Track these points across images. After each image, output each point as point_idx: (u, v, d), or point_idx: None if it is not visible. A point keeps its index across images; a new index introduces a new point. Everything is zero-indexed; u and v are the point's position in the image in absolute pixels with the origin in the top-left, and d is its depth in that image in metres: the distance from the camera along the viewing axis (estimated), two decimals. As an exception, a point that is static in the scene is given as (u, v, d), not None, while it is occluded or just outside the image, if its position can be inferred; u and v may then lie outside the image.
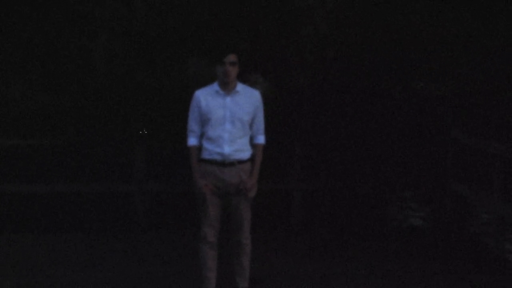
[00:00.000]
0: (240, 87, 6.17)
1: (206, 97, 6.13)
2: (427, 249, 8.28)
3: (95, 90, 12.39)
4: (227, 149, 6.09)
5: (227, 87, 6.13)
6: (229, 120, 6.07)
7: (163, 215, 10.31)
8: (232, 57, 6.03)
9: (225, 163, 6.10)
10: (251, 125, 6.20)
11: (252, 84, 12.02)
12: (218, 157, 6.10)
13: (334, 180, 10.22)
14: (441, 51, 12.12)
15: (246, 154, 6.18)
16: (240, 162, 6.14)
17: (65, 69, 12.51)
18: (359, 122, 11.95)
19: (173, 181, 9.56)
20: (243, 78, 11.16)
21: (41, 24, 12.52)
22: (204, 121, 6.12)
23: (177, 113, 11.87)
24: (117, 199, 10.61)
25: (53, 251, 8.08)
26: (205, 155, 6.15)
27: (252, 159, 6.24)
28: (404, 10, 12.22)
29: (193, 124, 6.17)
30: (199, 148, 6.20)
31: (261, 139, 6.26)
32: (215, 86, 6.19)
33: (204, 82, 12.31)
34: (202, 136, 6.18)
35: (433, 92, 12.00)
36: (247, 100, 6.16)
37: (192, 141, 6.18)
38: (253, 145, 6.27)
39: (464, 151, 10.03)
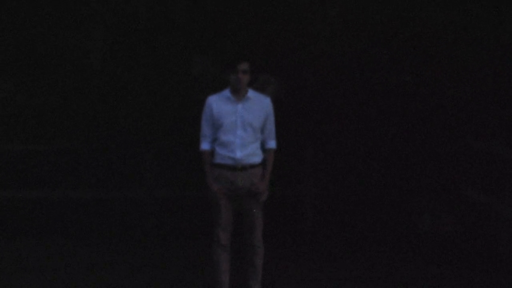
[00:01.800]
0: (251, 93, 6.73)
1: (218, 103, 6.66)
2: (442, 255, 8.68)
3: (92, 90, 12.62)
4: (239, 154, 6.61)
5: (238, 94, 6.66)
6: (241, 125, 6.60)
7: (174, 222, 10.64)
8: (244, 65, 6.57)
9: (237, 168, 6.61)
10: (262, 131, 6.73)
11: (263, 84, 12.27)
12: (230, 162, 6.61)
13: (347, 185, 10.64)
14: (456, 50, 12.46)
15: (257, 158, 6.70)
16: (252, 166, 6.66)
17: (58, 68, 12.71)
18: (373, 124, 12.26)
19: (183, 186, 10.00)
20: (254, 78, 11.54)
21: (31, 19, 12.67)
22: (216, 126, 6.65)
23: (183, 116, 12.18)
24: (127, 205, 11.00)
25: (60, 257, 8.46)
26: (218, 160, 6.68)
27: (263, 164, 6.75)
28: (422, 7, 12.50)
29: (205, 129, 6.70)
30: (212, 152, 6.73)
31: (272, 144, 6.78)
32: (226, 93, 6.72)
33: (209, 84, 12.59)
34: (214, 141, 6.72)
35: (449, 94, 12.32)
36: (258, 107, 6.69)
37: (204, 145, 6.71)
38: (264, 150, 6.79)
39: (479, 157, 10.44)
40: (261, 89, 11.29)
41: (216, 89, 11.35)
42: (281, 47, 12.43)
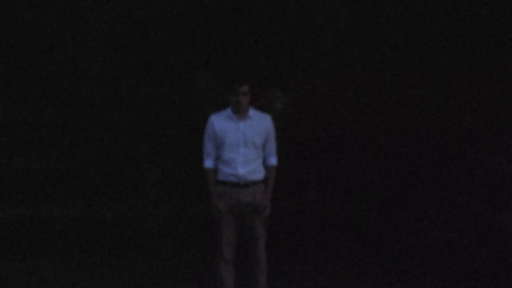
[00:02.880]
0: (252, 112, 7.13)
1: (221, 122, 7.08)
2: (446, 269, 9.00)
3: (93, 106, 12.77)
4: (241, 171, 7.02)
5: (240, 113, 7.07)
6: (243, 143, 7.01)
7: (178, 238, 10.96)
8: (244, 88, 6.98)
9: (240, 184, 7.02)
10: (263, 147, 7.14)
11: (271, 99, 12.26)
12: (233, 179, 7.02)
13: (352, 201, 10.95)
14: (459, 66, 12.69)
15: (259, 175, 7.10)
16: (254, 183, 7.06)
17: (56, 82, 12.85)
18: (377, 138, 12.45)
19: (187, 202, 10.34)
20: (260, 93, 11.66)
21: (30, 33, 12.83)
22: (219, 144, 7.06)
23: (187, 132, 12.45)
24: (130, 222, 11.32)
25: (64, 273, 8.79)
26: (221, 177, 7.08)
27: (265, 180, 7.16)
28: (431, 22, 12.68)
29: (208, 147, 7.11)
30: (215, 170, 7.14)
31: (273, 161, 7.19)
32: (228, 112, 7.13)
33: (213, 99, 12.82)
34: (217, 158, 7.12)
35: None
36: (259, 124, 7.10)
37: (208, 163, 7.12)
38: (266, 166, 7.19)
39: (484, 170, 10.74)
40: (268, 104, 11.46)
41: (220, 104, 11.58)
42: (289, 62, 12.64)
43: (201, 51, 12.65)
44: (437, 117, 12.25)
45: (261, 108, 7.56)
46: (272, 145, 7.20)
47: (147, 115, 12.51)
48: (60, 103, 12.72)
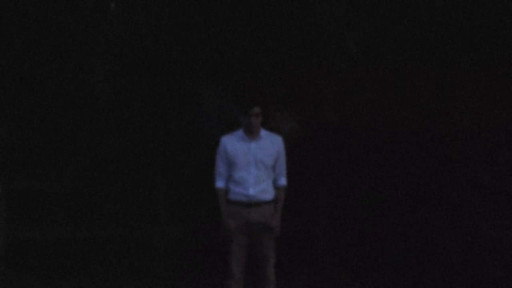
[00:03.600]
0: (263, 133, 7.42)
1: (232, 143, 7.36)
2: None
3: (100, 126, 12.91)
4: (252, 191, 7.30)
5: (251, 134, 7.36)
6: (254, 164, 7.29)
7: (187, 258, 11.19)
8: (256, 110, 7.27)
9: (251, 204, 7.30)
10: (274, 168, 7.42)
11: (279, 122, 12.34)
12: (244, 198, 7.31)
13: (361, 220, 11.15)
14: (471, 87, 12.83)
15: (270, 195, 7.38)
16: (265, 202, 7.34)
17: (60, 103, 12.97)
18: (387, 159, 12.60)
19: (196, 223, 10.57)
20: (269, 116, 11.80)
21: (31, 53, 12.87)
22: (231, 164, 7.34)
23: (194, 152, 12.64)
24: (140, 242, 11.53)
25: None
26: (232, 197, 7.37)
27: (275, 200, 7.44)
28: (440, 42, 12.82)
29: (220, 168, 7.39)
30: (226, 190, 7.42)
31: (283, 181, 7.47)
32: (240, 132, 7.42)
33: (220, 118, 12.94)
34: (228, 178, 7.40)
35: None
36: (270, 145, 7.38)
37: (219, 183, 7.41)
38: (276, 186, 7.46)
39: (493, 194, 10.93)
40: (277, 127, 11.69)
41: (226, 123, 11.76)
42: (298, 83, 12.81)
43: (207, 69, 12.76)
44: (450, 129, 12.35)
45: (270, 130, 7.81)
46: (282, 166, 7.47)
47: (155, 134, 12.65)
48: (67, 123, 12.87)
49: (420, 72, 12.52)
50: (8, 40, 12.76)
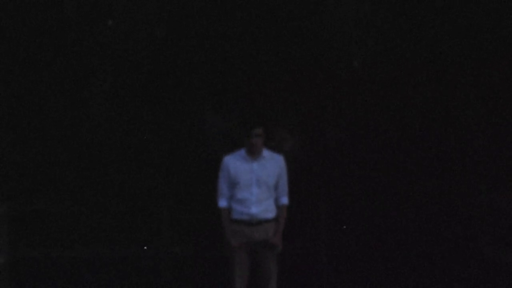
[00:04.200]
0: (265, 153, 7.64)
1: (235, 163, 7.59)
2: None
3: (101, 147, 12.99)
4: (254, 210, 7.52)
5: (254, 154, 7.58)
6: (256, 183, 7.52)
7: (190, 278, 11.35)
8: (258, 130, 7.49)
9: (253, 223, 7.53)
10: (275, 187, 7.64)
11: (280, 142, 12.39)
12: (246, 217, 7.53)
13: (362, 240, 11.28)
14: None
15: (272, 213, 7.61)
16: (267, 221, 7.56)
17: (59, 122, 13.12)
18: (389, 179, 12.71)
19: (199, 243, 10.72)
20: (269, 135, 11.84)
21: (29, 71, 12.59)
22: (233, 184, 7.56)
23: (196, 173, 12.78)
24: (144, 262, 11.68)
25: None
26: (234, 215, 7.59)
27: (277, 219, 7.65)
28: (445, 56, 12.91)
29: (223, 187, 7.62)
30: (229, 209, 7.63)
31: (285, 200, 7.71)
32: (242, 153, 7.64)
33: (221, 141, 13.08)
34: (231, 198, 7.62)
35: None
36: (272, 165, 7.60)
37: (222, 203, 7.63)
38: (277, 205, 7.69)
39: (496, 213, 11.05)
40: (277, 146, 11.79)
41: (227, 146, 11.85)
42: (300, 101, 12.90)
43: (209, 89, 12.72)
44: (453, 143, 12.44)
45: (270, 148, 7.97)
46: (284, 185, 7.70)
47: (158, 154, 12.74)
48: (70, 143, 12.96)
49: (423, 86, 12.63)
50: (7, 61, 12.90)
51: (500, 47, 12.51)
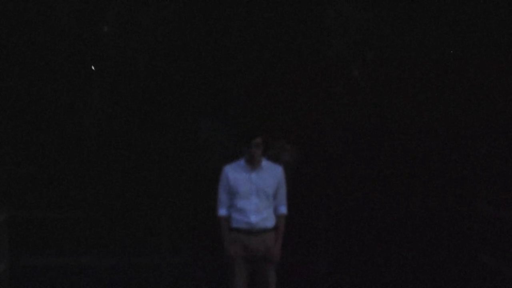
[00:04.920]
0: (264, 162, 7.80)
1: (234, 172, 7.76)
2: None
3: (98, 157, 13.07)
4: (253, 219, 7.68)
5: (253, 164, 7.75)
6: (255, 193, 7.68)
7: (188, 286, 11.50)
8: (257, 140, 7.65)
9: (252, 231, 7.69)
10: (274, 197, 7.80)
11: (279, 151, 12.48)
12: (245, 226, 7.69)
13: (361, 252, 11.41)
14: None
15: (270, 223, 7.77)
16: (265, 230, 7.73)
17: (59, 132, 13.18)
18: (387, 190, 12.85)
19: (197, 252, 10.86)
20: (268, 145, 12.00)
21: (26, 81, 12.87)
22: (232, 193, 7.72)
23: (194, 184, 12.89)
24: (141, 272, 11.84)
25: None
26: (234, 224, 7.75)
27: (276, 228, 7.82)
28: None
29: (222, 196, 7.79)
30: (228, 218, 7.79)
31: (283, 209, 7.87)
32: (242, 162, 7.80)
33: (217, 149, 13.25)
34: (230, 207, 7.78)
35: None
36: (270, 175, 7.77)
37: (222, 212, 7.80)
38: (276, 215, 7.85)
39: (490, 222, 11.19)
40: (276, 156, 11.91)
41: (225, 155, 11.99)
42: (299, 112, 13.02)
43: (206, 99, 12.92)
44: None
45: (269, 158, 8.15)
46: (283, 195, 7.86)
47: (156, 165, 12.87)
48: (71, 153, 13.11)
49: (423, 99, 12.76)
50: (4, 66, 13.03)
51: (501, 53, 12.65)
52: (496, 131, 12.73)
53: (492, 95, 12.78)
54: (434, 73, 12.84)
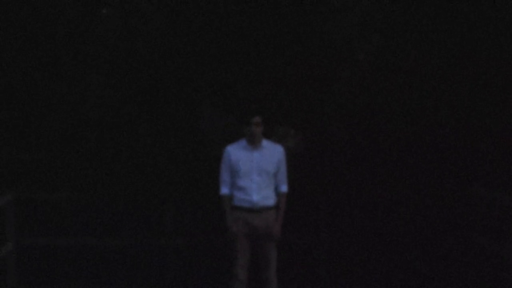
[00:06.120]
0: (265, 142, 8.05)
1: (236, 152, 8.02)
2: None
3: (98, 137, 13.23)
4: (255, 197, 7.95)
5: (254, 143, 8.01)
6: (256, 171, 7.94)
7: (192, 266, 11.61)
8: (257, 119, 7.90)
9: (254, 210, 7.96)
10: (275, 176, 8.07)
11: (282, 137, 12.63)
12: (247, 204, 7.96)
13: (362, 233, 11.62)
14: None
15: (271, 201, 8.03)
16: (267, 208, 8.00)
17: (50, 120, 13.35)
18: (387, 173, 13.03)
19: (199, 234, 11.13)
20: (272, 131, 12.20)
21: (25, 67, 12.76)
22: (234, 172, 7.98)
23: (195, 171, 13.12)
24: (146, 254, 12.14)
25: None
26: (236, 202, 8.02)
27: (277, 206, 8.10)
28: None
29: (224, 175, 8.06)
30: (231, 196, 8.07)
31: (284, 188, 8.14)
32: (243, 142, 8.06)
33: (218, 138, 13.41)
34: (232, 185, 8.05)
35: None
36: (271, 154, 8.03)
37: (224, 190, 8.07)
38: (277, 193, 8.12)
39: (486, 204, 11.41)
40: (279, 142, 12.11)
41: (226, 141, 12.14)
42: (304, 95, 13.24)
43: (207, 87, 13.01)
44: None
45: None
46: (283, 174, 8.12)
47: (159, 149, 13.04)
48: (75, 136, 13.30)
49: (429, 87, 12.92)
50: (3, 56, 13.23)
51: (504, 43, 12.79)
52: (494, 115, 12.90)
53: (494, 82, 12.93)
54: (440, 58, 12.97)
